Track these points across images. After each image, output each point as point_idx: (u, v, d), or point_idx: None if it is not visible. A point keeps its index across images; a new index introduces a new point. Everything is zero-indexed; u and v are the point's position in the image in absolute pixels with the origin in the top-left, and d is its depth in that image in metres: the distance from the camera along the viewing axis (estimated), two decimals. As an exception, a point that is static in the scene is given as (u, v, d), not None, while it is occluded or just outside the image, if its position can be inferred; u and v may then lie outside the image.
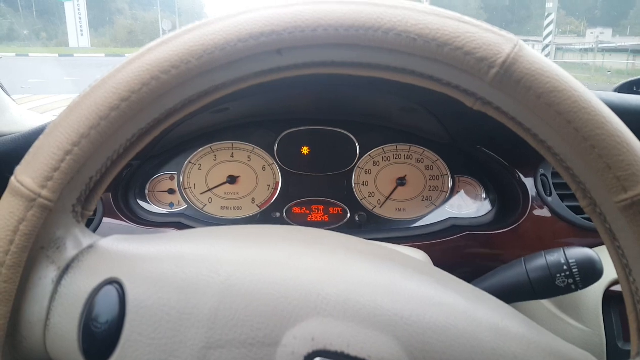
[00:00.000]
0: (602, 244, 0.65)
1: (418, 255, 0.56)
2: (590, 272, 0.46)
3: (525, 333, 0.25)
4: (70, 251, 0.26)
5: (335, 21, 0.23)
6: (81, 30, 21.43)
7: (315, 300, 0.24)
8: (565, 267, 0.46)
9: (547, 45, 11.05)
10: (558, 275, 0.46)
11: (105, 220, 0.69)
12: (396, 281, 0.25)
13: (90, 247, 0.27)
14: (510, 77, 0.22)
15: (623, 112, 0.25)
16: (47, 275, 0.25)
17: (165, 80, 0.24)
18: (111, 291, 0.24)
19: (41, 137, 0.24)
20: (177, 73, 0.23)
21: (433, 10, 0.23)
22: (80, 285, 0.25)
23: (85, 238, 0.27)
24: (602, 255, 0.58)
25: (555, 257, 0.47)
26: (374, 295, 0.24)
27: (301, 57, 0.25)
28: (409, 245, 0.67)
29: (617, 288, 0.54)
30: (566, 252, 0.47)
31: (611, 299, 0.57)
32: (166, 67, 0.23)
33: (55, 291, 0.25)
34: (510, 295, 0.49)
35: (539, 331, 0.26)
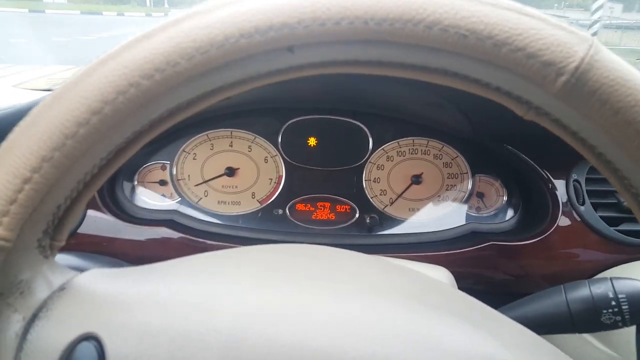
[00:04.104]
0: (636, 259, 0.57)
1: (441, 275, 0.50)
2: None
3: None
4: (38, 295, 0.22)
5: (364, 11, 0.18)
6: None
7: None
8: (613, 303, 0.40)
9: (595, 22, 8.46)
10: (604, 311, 0.40)
11: (90, 213, 0.62)
12: (430, 333, 0.22)
13: (62, 288, 0.23)
14: (583, 87, 0.18)
15: None
16: (9, 327, 0.21)
17: (147, 87, 0.19)
18: (88, 349, 0.21)
19: None
20: (162, 78, 0.19)
21: None
22: (50, 340, 0.21)
23: (56, 276, 0.23)
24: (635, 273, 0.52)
25: (602, 289, 0.41)
26: (406, 356, 0.20)
27: (318, 56, 0.20)
28: (426, 255, 0.61)
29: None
30: (614, 285, 0.41)
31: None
32: (148, 70, 0.19)
33: (20, 348, 0.21)
34: (545, 326, 0.43)
35: None
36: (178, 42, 0.19)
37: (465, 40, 0.18)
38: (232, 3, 0.19)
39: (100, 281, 0.23)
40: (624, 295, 0.40)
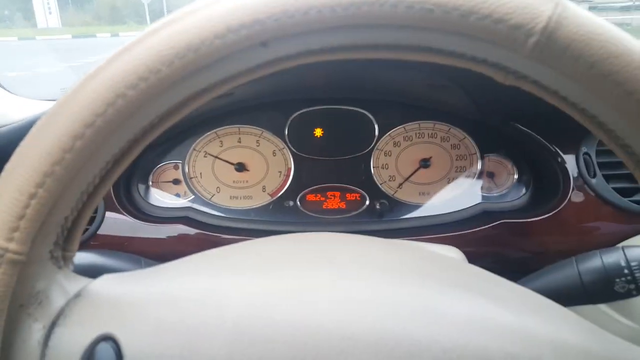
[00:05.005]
0: None
1: (452, 254, 0.50)
2: None
3: (587, 345, 0.22)
4: (56, 303, 0.23)
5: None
6: (49, 9, 19.15)
7: (341, 344, 0.20)
8: (626, 271, 0.40)
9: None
10: (617, 279, 0.40)
11: (108, 215, 0.65)
12: (434, 304, 0.22)
13: (78, 295, 0.24)
14: (554, 45, 0.18)
15: None
16: (32, 336, 0.22)
17: (134, 97, 0.20)
18: (106, 350, 0.22)
19: None
20: (146, 86, 0.20)
21: None
22: (70, 345, 0.22)
23: (71, 284, 0.25)
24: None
25: (614, 258, 0.41)
26: (410, 329, 0.21)
27: (291, 47, 0.21)
28: (437, 237, 0.62)
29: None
30: (626, 253, 0.41)
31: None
32: (132, 80, 0.20)
33: (42, 354, 0.22)
34: (559, 299, 0.43)
35: (601, 338, 0.23)
36: (158, 50, 0.20)
37: (431, 14, 0.18)
38: (203, 8, 0.20)
39: (113, 285, 0.25)
40: (636, 263, 0.40)
